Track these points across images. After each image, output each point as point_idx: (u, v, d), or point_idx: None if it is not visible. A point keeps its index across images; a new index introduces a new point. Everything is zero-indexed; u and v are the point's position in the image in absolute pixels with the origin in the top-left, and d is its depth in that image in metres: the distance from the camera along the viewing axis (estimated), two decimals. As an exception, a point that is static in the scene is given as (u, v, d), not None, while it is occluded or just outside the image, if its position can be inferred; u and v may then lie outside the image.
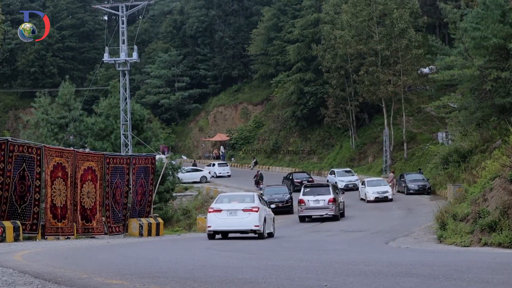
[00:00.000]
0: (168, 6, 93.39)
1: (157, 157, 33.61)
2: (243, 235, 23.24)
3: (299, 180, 49.88)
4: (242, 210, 22.44)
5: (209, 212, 22.91)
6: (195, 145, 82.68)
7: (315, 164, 64.65)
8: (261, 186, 51.46)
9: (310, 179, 50.63)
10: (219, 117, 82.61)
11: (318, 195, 34.67)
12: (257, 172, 56.07)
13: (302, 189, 36.34)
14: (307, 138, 68.49)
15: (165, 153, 60.40)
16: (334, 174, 51.42)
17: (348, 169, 53.54)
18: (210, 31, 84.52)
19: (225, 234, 23.27)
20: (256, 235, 22.72)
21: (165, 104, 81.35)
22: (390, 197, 42.53)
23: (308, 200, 34.69)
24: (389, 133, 54.49)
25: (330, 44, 59.35)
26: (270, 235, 24.10)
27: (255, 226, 22.30)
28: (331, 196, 34.58)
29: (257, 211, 22.44)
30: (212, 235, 22.67)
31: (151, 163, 27.38)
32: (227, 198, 23.99)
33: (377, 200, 42.11)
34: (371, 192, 42.74)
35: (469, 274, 8.87)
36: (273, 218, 25.52)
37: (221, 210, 22.51)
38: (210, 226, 22.57)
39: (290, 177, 51.96)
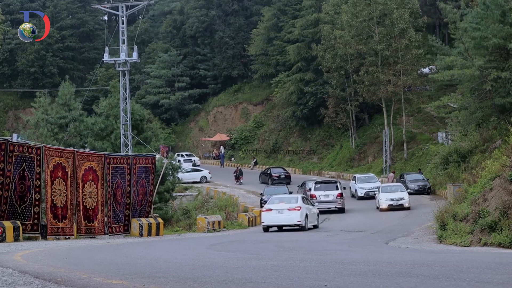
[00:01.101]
0: (168, 6, 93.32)
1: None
2: (291, 227, 29.31)
3: (277, 175, 55.01)
4: (287, 209, 28.95)
5: (263, 211, 30.06)
6: (195, 145, 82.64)
7: (315, 164, 64.63)
8: (241, 181, 56.67)
9: (287, 174, 55.75)
10: (219, 117, 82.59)
11: (328, 190, 39.59)
12: (237, 168, 60.02)
13: (313, 185, 40.90)
14: (307, 138, 68.48)
15: (166, 154, 60.40)
16: (355, 180, 46.45)
17: (371, 174, 48.46)
18: (210, 31, 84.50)
19: (280, 227, 29.55)
20: (300, 228, 28.90)
21: (165, 104, 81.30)
22: (406, 205, 37.54)
23: (319, 195, 39.28)
24: (389, 133, 54.48)
25: (330, 44, 59.34)
26: (316, 226, 30.86)
27: (298, 221, 28.83)
28: (339, 191, 39.49)
29: (299, 210, 28.84)
30: (266, 229, 29.41)
31: (151, 163, 27.41)
32: (277, 200, 30.62)
33: (391, 208, 37.30)
34: (384, 199, 38.04)
35: (469, 274, 8.87)
36: (317, 213, 32.13)
37: (271, 209, 29.17)
38: (263, 222, 29.60)
39: (268, 172, 56.21)
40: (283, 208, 29.03)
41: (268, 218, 29.20)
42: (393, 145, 55.48)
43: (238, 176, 57.16)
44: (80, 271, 9.71)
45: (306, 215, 29.26)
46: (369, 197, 43.50)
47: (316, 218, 31.29)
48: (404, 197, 37.86)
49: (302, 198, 30.72)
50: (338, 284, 7.98)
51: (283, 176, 54.98)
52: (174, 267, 10.83)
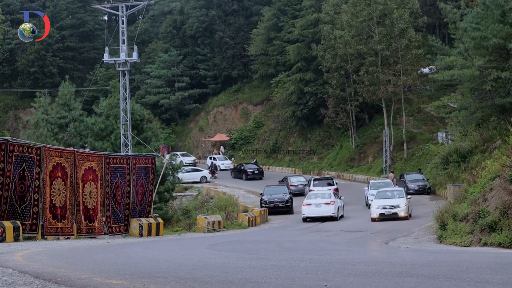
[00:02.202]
0: (168, 6, 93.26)
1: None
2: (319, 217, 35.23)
3: (251, 170, 60.29)
4: (324, 203, 35.52)
5: (303, 205, 36.24)
6: (195, 145, 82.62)
7: (315, 164, 64.64)
8: (216, 175, 61.51)
9: (260, 169, 61.11)
10: (219, 117, 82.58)
11: (325, 186, 43.57)
12: (212, 163, 64.88)
13: (312, 181, 45.68)
14: (307, 138, 68.47)
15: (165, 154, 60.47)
16: (369, 186, 42.30)
17: (387, 180, 44.34)
18: (210, 31, 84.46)
19: (313, 218, 35.57)
20: (333, 218, 35.15)
21: (165, 104, 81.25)
22: (402, 214, 32.96)
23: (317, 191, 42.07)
24: (389, 133, 54.48)
25: (330, 44, 59.35)
26: (342, 216, 36.77)
27: (332, 213, 35.42)
28: (335, 186, 43.84)
29: (333, 204, 35.68)
30: (305, 219, 35.61)
31: (151, 163, 27.38)
32: (313, 196, 37.08)
33: (383, 218, 32.87)
34: (375, 207, 33.79)
35: (469, 274, 8.87)
36: (343, 205, 37.81)
37: (311, 204, 35.86)
38: (304, 214, 35.85)
39: (242, 168, 61.17)
40: (320, 202, 35.60)
41: (307, 211, 35.68)
42: (393, 145, 55.48)
43: (213, 170, 61.77)
44: (80, 271, 9.71)
45: (338, 208, 35.84)
46: None
47: (342, 209, 37.23)
48: (399, 204, 33.36)
49: (334, 193, 37.26)
50: (338, 284, 7.97)
51: (257, 172, 60.30)
52: (174, 267, 10.83)
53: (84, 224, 23.40)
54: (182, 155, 70.51)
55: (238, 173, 61.17)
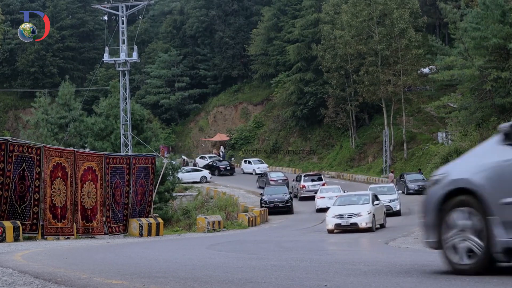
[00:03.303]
0: (168, 6, 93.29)
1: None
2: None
3: (224, 166, 64.66)
4: (336, 196, 36.07)
5: (317, 198, 41.37)
6: (195, 145, 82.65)
7: (315, 164, 64.66)
8: None
9: (232, 166, 65.39)
10: (219, 117, 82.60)
11: (314, 181, 47.86)
12: (183, 160, 67.82)
13: (302, 177, 49.31)
14: (307, 138, 68.50)
15: (166, 153, 60.50)
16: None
17: (391, 185, 41.64)
18: (210, 31, 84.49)
19: (325, 210, 34.55)
20: None
21: (165, 104, 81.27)
22: (363, 224, 26.28)
23: (308, 185, 47.55)
24: (389, 133, 54.51)
25: (330, 44, 59.37)
26: None
27: None
28: (323, 181, 47.58)
29: None
30: (319, 210, 39.61)
31: (151, 163, 27.37)
32: (325, 190, 42.23)
33: (341, 229, 26.50)
34: (330, 216, 27.04)
35: (469, 274, 8.85)
36: None
37: (325, 197, 40.63)
38: (318, 205, 40.59)
39: (216, 164, 65.09)
40: (332, 195, 39.09)
41: (322, 203, 40.15)
42: (393, 145, 55.51)
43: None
44: (80, 271, 9.70)
45: None
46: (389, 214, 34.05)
47: None
48: (360, 212, 26.68)
49: (341, 188, 41.98)
50: (338, 284, 7.97)
51: (228, 168, 64.63)
52: (174, 267, 10.83)
53: (81, 224, 23.36)
54: (210, 157, 70.14)
55: (210, 170, 63.84)
